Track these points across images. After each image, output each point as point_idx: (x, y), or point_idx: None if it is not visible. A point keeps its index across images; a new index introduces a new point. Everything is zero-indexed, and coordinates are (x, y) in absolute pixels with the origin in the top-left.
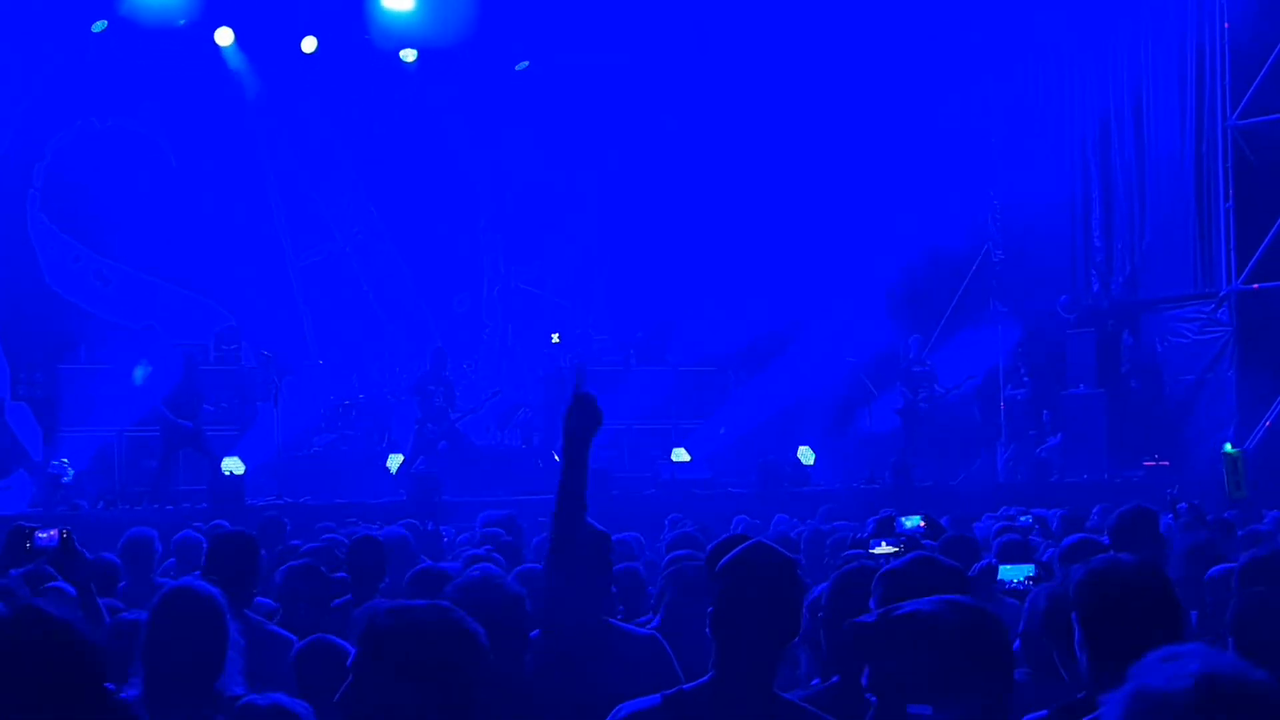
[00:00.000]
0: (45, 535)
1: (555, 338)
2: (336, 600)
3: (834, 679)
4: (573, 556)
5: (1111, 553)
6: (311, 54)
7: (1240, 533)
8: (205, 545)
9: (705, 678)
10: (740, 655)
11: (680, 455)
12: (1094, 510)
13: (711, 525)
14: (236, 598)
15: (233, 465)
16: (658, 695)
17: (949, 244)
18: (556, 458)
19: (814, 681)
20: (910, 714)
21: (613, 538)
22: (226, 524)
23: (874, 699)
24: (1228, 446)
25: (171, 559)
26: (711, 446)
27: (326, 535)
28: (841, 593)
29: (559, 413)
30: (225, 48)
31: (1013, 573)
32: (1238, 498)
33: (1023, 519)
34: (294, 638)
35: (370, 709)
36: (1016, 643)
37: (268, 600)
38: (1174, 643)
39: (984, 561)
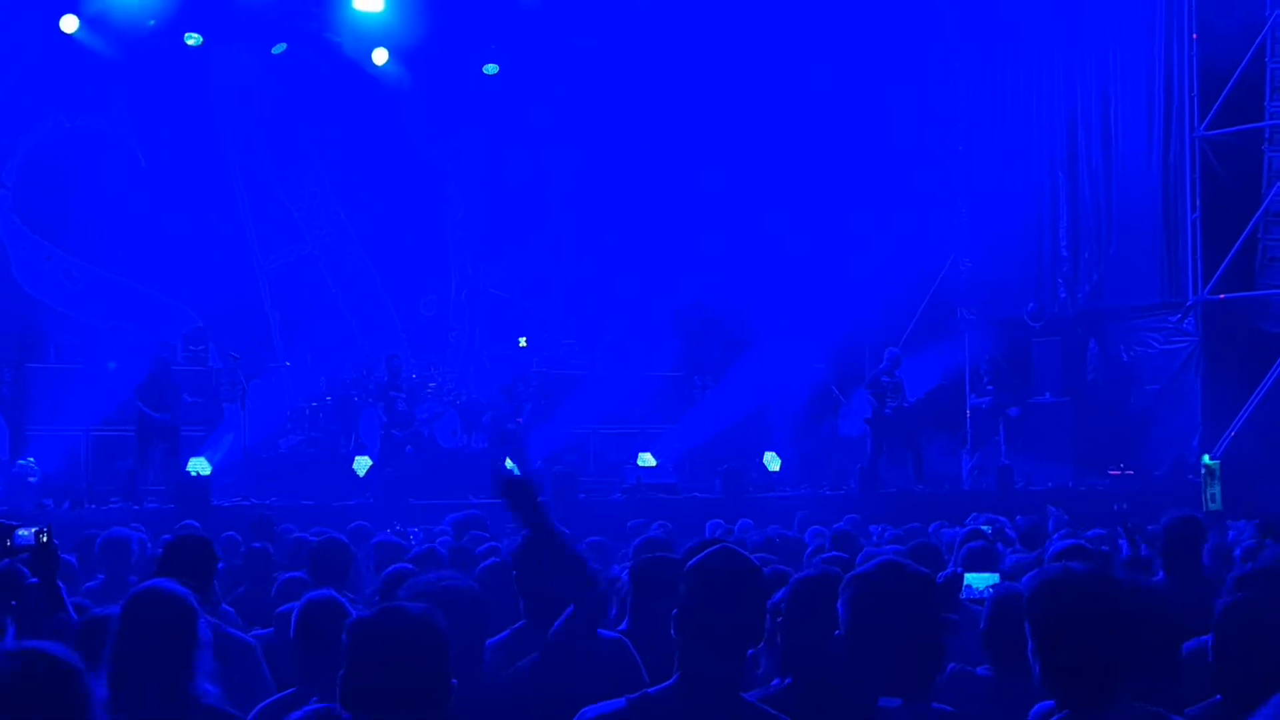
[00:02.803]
0: (25, 534)
1: (522, 341)
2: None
3: (788, 680)
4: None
5: (1064, 563)
6: (281, 54)
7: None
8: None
9: (670, 680)
10: (706, 658)
11: (646, 460)
12: (1051, 513)
13: (677, 530)
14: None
15: (199, 466)
16: (622, 699)
17: (917, 252)
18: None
19: (774, 682)
20: (880, 708)
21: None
22: (197, 524)
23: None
24: (1206, 458)
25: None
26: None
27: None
28: (802, 596)
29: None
30: (194, 48)
31: (978, 581)
32: (1212, 509)
33: (983, 527)
34: (252, 640)
35: (362, 698)
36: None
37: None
38: (1123, 654)
39: (949, 570)
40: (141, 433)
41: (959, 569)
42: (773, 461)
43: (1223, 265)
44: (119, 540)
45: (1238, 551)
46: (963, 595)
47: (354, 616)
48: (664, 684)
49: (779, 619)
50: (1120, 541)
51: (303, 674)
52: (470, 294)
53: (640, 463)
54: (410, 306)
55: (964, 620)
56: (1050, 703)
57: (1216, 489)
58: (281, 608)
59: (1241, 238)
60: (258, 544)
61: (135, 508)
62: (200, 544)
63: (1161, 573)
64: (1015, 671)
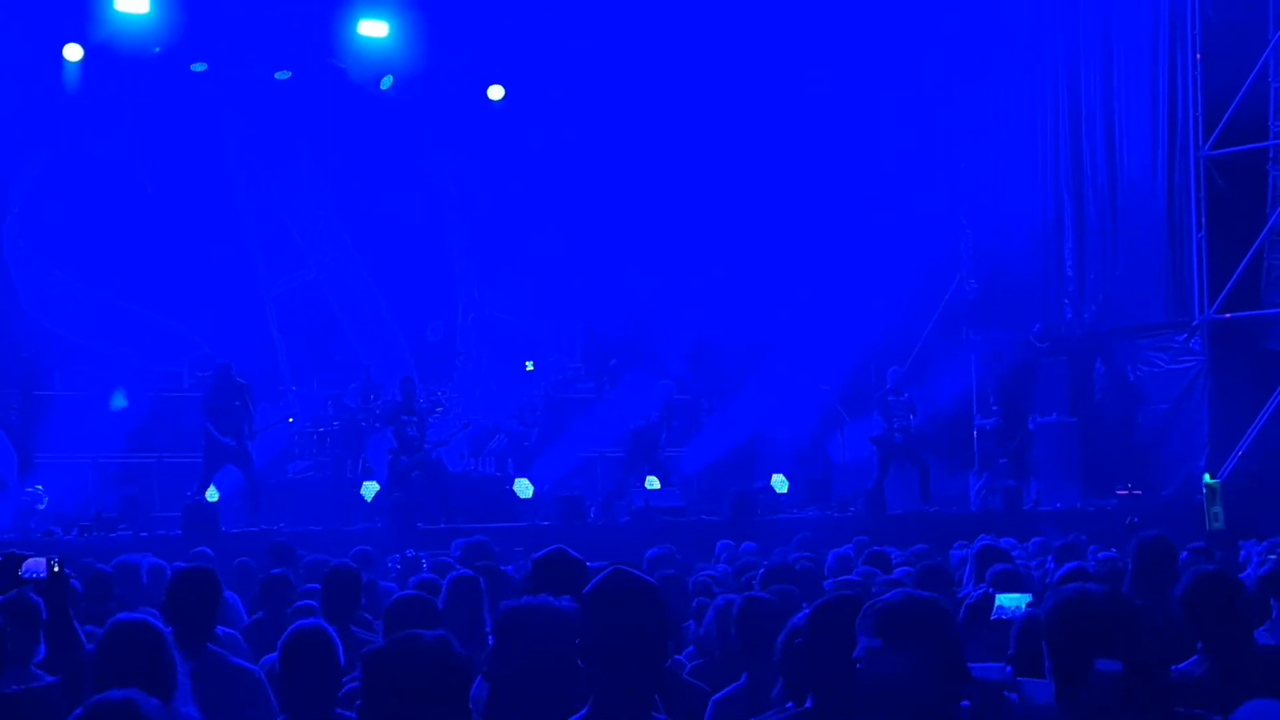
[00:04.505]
0: (33, 563)
1: (529, 365)
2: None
3: (807, 704)
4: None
5: (1081, 583)
6: (286, 80)
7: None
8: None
9: (581, 712)
10: (615, 685)
11: (653, 483)
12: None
13: (684, 554)
14: (199, 631)
15: (206, 492)
16: None
17: (923, 273)
18: None
19: (789, 705)
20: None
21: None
22: (210, 551)
23: None
24: (1207, 477)
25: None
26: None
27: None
28: (822, 621)
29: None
30: (200, 75)
31: (1009, 601)
32: (1215, 528)
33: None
34: (254, 668)
35: None
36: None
37: None
38: (1139, 673)
39: (980, 591)
40: (209, 458)
41: (990, 590)
42: (781, 484)
43: (1229, 284)
44: (129, 566)
45: (1249, 571)
46: (994, 616)
47: (370, 648)
48: (574, 716)
49: (798, 642)
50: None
51: (289, 704)
52: (477, 318)
53: (647, 485)
54: (417, 331)
55: (996, 640)
56: None
57: (1219, 508)
58: None
59: (1247, 257)
60: (277, 570)
61: (144, 535)
62: (205, 576)
63: (1138, 600)
64: None
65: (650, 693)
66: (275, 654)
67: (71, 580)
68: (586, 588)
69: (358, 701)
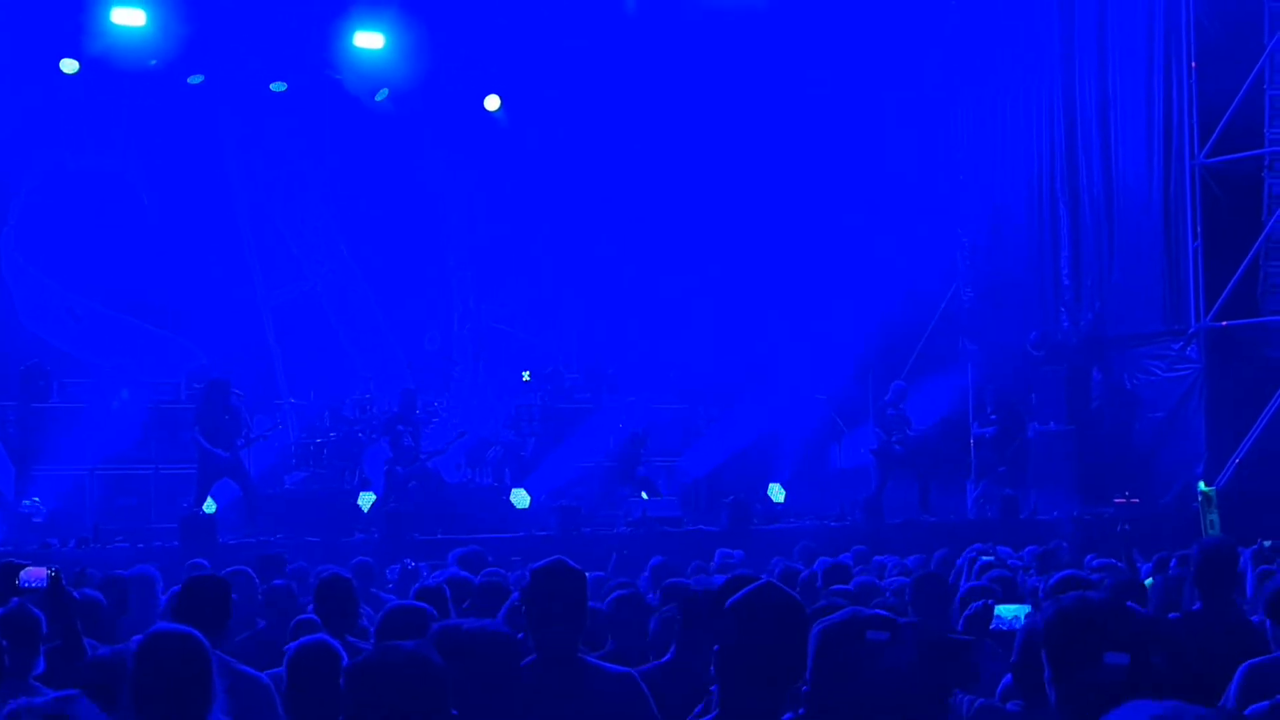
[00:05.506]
0: (31, 573)
1: (526, 375)
2: None
3: (800, 710)
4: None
5: (1081, 591)
6: (283, 92)
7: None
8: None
9: (708, 717)
10: (747, 697)
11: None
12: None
13: (681, 566)
14: (209, 638)
15: (203, 505)
16: None
17: (919, 282)
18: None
19: (786, 716)
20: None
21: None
22: (206, 563)
23: None
24: (1202, 485)
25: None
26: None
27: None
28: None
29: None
30: (196, 87)
31: (1007, 611)
32: (1212, 535)
33: (984, 558)
34: (263, 676)
35: None
36: (1008, 676)
37: None
38: (1140, 682)
39: (979, 602)
40: (203, 471)
41: (989, 601)
42: (778, 493)
43: (1225, 292)
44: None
45: (1249, 579)
46: (992, 627)
47: (350, 660)
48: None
49: None
50: (1139, 565)
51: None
52: (474, 328)
53: (645, 495)
54: (414, 341)
55: (994, 653)
56: None
57: (1215, 515)
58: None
59: (1243, 265)
60: (279, 581)
61: (140, 546)
62: (216, 584)
63: (1199, 603)
64: (1044, 705)
65: (779, 709)
66: (280, 668)
67: (79, 593)
68: (732, 598)
69: (340, 717)
